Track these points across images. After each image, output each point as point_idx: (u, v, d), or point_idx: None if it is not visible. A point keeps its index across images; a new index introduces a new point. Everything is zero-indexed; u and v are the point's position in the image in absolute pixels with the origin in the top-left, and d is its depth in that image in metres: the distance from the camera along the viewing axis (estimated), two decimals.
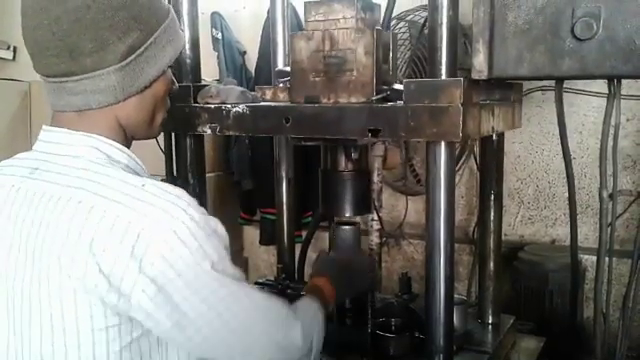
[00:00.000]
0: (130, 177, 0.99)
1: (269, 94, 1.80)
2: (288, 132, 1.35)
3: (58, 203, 0.96)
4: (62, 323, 0.94)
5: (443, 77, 1.21)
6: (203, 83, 1.56)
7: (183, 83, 1.57)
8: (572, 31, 1.11)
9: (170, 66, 1.10)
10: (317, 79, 1.37)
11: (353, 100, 1.33)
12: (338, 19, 1.36)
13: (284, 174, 2.03)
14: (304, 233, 2.41)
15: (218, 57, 3.10)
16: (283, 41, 1.97)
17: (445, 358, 1.33)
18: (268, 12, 2.08)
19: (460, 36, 1.90)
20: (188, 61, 1.59)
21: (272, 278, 1.97)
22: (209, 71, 3.04)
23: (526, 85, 2.58)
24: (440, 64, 1.21)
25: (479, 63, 1.20)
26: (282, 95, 1.73)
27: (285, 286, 1.84)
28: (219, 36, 3.10)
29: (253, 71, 3.14)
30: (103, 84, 1.00)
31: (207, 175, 1.74)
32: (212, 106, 1.44)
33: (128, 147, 1.09)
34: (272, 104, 1.44)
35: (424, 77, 2.29)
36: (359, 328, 1.55)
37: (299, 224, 2.79)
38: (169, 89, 1.13)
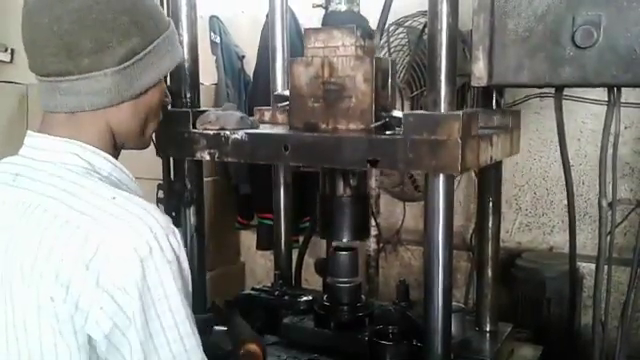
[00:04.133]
0: (103, 189, 0.97)
1: (268, 116, 1.81)
2: (287, 160, 1.35)
3: (27, 210, 0.95)
4: (24, 332, 0.93)
5: (442, 83, 1.20)
6: (202, 108, 1.57)
7: (181, 89, 1.57)
8: (572, 39, 1.11)
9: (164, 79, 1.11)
10: (316, 105, 1.38)
11: (352, 127, 1.34)
12: (337, 46, 1.38)
13: (282, 179, 2.02)
14: (301, 238, 2.40)
15: (217, 61, 3.10)
16: (282, 45, 1.97)
17: None
18: (267, 16, 2.07)
19: (459, 42, 1.90)
20: (186, 65, 1.58)
21: (269, 284, 1.96)
22: (207, 75, 3.04)
23: (524, 92, 2.59)
24: (440, 70, 1.20)
25: (479, 70, 1.20)
26: (281, 117, 1.74)
27: (282, 292, 1.83)
28: (217, 40, 3.09)
29: (251, 75, 3.13)
30: (98, 86, 0.99)
31: (205, 179, 1.73)
32: (211, 132, 1.44)
33: (116, 156, 1.08)
34: (271, 132, 1.45)
35: (423, 83, 2.30)
36: (356, 336, 1.54)
37: (297, 229, 2.78)
38: (162, 100, 1.13)
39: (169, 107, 1.49)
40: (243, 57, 3.21)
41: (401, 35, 2.59)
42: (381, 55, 2.46)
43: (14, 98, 3.00)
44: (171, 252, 0.95)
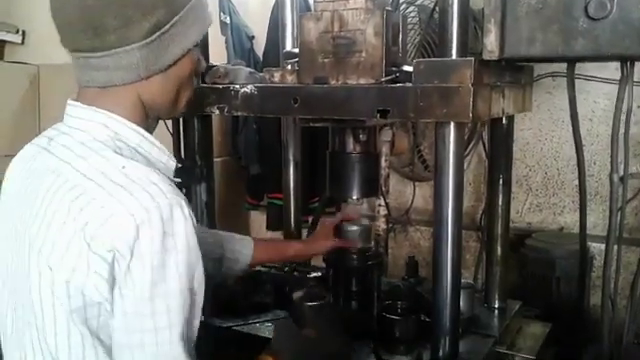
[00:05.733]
0: (114, 156, 0.97)
1: (277, 76, 1.78)
2: (296, 113, 1.35)
3: (46, 173, 0.99)
4: (30, 297, 0.96)
5: (454, 57, 1.20)
6: (211, 64, 1.55)
7: None
8: (585, 10, 1.09)
9: (196, 45, 1.08)
10: (326, 60, 1.36)
11: (362, 81, 1.32)
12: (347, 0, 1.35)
13: (291, 157, 2.02)
14: (311, 218, 2.41)
15: (226, 41, 3.08)
16: (292, 24, 1.96)
17: (451, 341, 1.33)
18: None
19: (470, 20, 1.88)
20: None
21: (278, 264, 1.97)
22: (217, 56, 3.03)
23: (536, 71, 2.55)
24: (451, 43, 1.20)
25: (490, 43, 1.19)
26: (290, 77, 1.71)
27: (292, 269, 1.84)
28: (227, 20, 3.08)
29: (261, 55, 3.12)
30: (126, 61, 0.99)
31: (215, 160, 1.73)
32: (220, 86, 1.43)
33: (149, 128, 1.08)
34: (280, 85, 1.43)
35: None
36: (365, 311, 1.56)
37: (306, 209, 2.79)
38: (195, 69, 1.12)
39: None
40: (253, 37, 3.20)
41: (412, 14, 2.56)
42: None
43: (25, 79, 3.02)
44: (171, 224, 0.92)
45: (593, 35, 1.10)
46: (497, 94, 1.30)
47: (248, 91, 1.39)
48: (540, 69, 2.52)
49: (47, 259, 0.93)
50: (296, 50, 1.51)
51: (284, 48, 1.95)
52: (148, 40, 0.99)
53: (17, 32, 3.81)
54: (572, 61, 1.42)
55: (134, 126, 1.03)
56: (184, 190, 1.65)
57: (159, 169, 1.01)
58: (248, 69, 1.48)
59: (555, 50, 1.13)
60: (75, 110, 1.05)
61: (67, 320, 0.93)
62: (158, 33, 1.00)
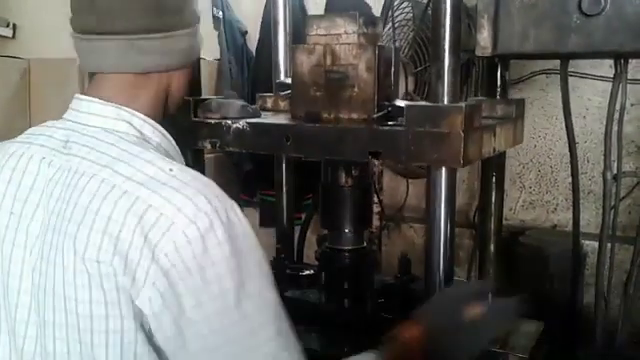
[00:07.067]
0: (158, 159, 0.93)
1: (270, 102, 1.81)
2: (288, 151, 1.35)
3: (81, 179, 0.91)
4: (75, 314, 0.88)
5: (446, 56, 1.18)
6: (204, 97, 1.55)
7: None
8: (579, 6, 1.09)
9: None
10: (318, 93, 1.37)
11: (354, 116, 1.33)
12: (340, 34, 1.36)
13: (284, 155, 2.01)
14: (304, 215, 2.40)
15: (219, 36, 3.07)
16: (284, 21, 1.94)
17: None
18: None
19: (464, 17, 1.87)
20: None
21: (271, 259, 1.96)
22: (210, 51, 3.02)
23: (529, 68, 2.56)
24: (443, 40, 1.18)
25: (483, 39, 1.18)
26: (283, 104, 1.74)
27: (284, 266, 1.83)
28: (220, 15, 3.06)
29: (254, 51, 3.10)
30: (178, 46, 1.02)
31: (207, 156, 1.72)
32: (212, 121, 1.43)
33: (162, 124, 1.07)
34: (273, 122, 1.44)
35: (427, 59, 2.27)
36: (357, 308, 1.55)
37: (299, 206, 2.78)
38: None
39: None
40: (246, 32, 3.18)
41: (406, 9, 2.55)
42: (385, 29, 2.44)
43: (16, 73, 2.99)
44: (230, 227, 0.87)
45: (587, 31, 1.10)
46: (488, 134, 1.30)
47: (240, 127, 1.39)
48: (534, 66, 2.52)
49: (107, 262, 0.85)
50: (288, 81, 1.51)
51: (276, 45, 1.93)
52: (195, 28, 1.05)
53: (8, 26, 3.78)
54: (565, 58, 1.42)
55: (154, 123, 1.02)
56: None
57: None
58: (240, 102, 1.48)
59: (548, 46, 1.13)
60: (90, 105, 1.00)
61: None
62: (197, 24, 1.05)
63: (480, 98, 1.62)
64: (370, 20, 1.39)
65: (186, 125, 1.46)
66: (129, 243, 0.84)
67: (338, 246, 1.57)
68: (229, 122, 1.40)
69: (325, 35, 1.37)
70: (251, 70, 3.11)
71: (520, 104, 1.57)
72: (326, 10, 2.72)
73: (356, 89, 1.32)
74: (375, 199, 1.76)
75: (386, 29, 2.48)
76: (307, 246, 2.16)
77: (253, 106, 1.53)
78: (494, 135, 1.35)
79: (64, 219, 0.90)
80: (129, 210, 0.85)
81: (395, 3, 2.45)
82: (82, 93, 1.03)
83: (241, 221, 0.91)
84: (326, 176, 1.57)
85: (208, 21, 2.98)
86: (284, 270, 1.80)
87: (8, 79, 2.97)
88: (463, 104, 1.15)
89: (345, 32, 1.35)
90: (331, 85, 1.34)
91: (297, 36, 2.05)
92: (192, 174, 0.92)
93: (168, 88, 1.06)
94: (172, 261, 0.83)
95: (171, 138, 1.06)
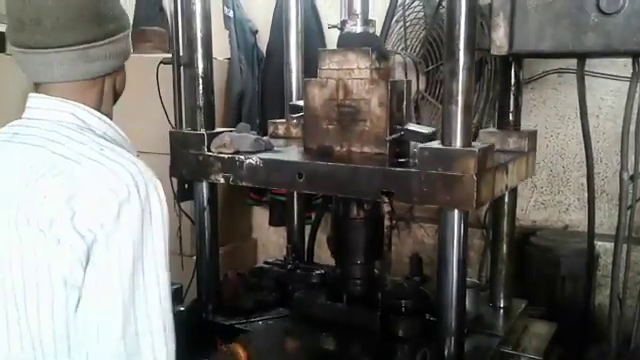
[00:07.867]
0: (92, 142, 1.03)
1: (282, 129, 1.82)
2: (301, 188, 1.36)
3: (20, 159, 1.01)
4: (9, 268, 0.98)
5: (461, 53, 1.17)
6: (217, 130, 1.58)
7: (194, 61, 1.57)
8: (597, 5, 1.07)
9: None
10: (330, 127, 1.38)
11: (366, 150, 1.34)
12: (352, 69, 1.37)
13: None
14: (314, 214, 2.39)
15: (230, 35, 3.06)
16: (295, 21, 1.94)
17: (456, 341, 1.31)
18: None
19: (477, 16, 1.85)
20: (199, 37, 1.57)
21: (282, 258, 1.96)
22: (220, 50, 3.01)
23: (542, 67, 2.53)
24: (458, 40, 1.17)
25: (499, 38, 1.17)
26: (295, 131, 1.74)
27: (295, 266, 1.83)
28: (231, 14, 3.05)
29: (265, 51, 3.10)
30: (120, 47, 1.11)
31: None
32: (226, 156, 1.43)
33: (110, 116, 1.15)
34: (285, 159, 1.44)
35: (439, 57, 2.25)
36: (369, 309, 1.54)
37: (309, 205, 2.77)
38: None
39: None
40: (256, 32, 3.17)
41: (418, 8, 2.53)
42: (396, 29, 2.42)
43: None
44: (148, 202, 0.98)
45: (605, 30, 1.08)
46: (501, 173, 1.30)
47: (253, 162, 1.40)
48: (546, 65, 2.50)
49: (34, 227, 0.95)
50: (301, 103, 1.51)
51: (288, 45, 1.93)
52: (129, 30, 1.15)
53: None
54: (583, 57, 1.40)
55: (99, 114, 1.10)
56: (186, 186, 1.64)
57: None
58: (253, 136, 1.49)
59: (565, 45, 1.11)
60: (39, 101, 1.08)
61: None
62: (130, 28, 1.16)
63: (492, 130, 1.61)
64: (382, 55, 1.39)
65: (200, 159, 1.49)
66: (53, 209, 0.94)
67: None
68: (242, 157, 1.40)
69: (338, 70, 1.38)
70: (261, 69, 3.11)
71: (532, 136, 1.55)
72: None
73: (368, 123, 1.32)
74: (385, 198, 1.74)
75: (397, 28, 2.47)
76: (317, 245, 2.15)
77: (265, 138, 1.54)
78: (506, 173, 1.34)
79: (7, 195, 0.99)
80: (53, 179, 0.96)
81: (407, 2, 2.44)
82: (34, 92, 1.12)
83: (161, 202, 1.01)
84: (338, 209, 1.56)
85: (219, 20, 2.97)
86: (294, 270, 1.80)
87: None
88: (476, 148, 1.14)
89: (358, 67, 1.36)
90: (343, 119, 1.34)
91: (308, 36, 2.05)
92: (122, 154, 1.02)
93: (114, 85, 1.15)
94: (88, 225, 0.93)
95: (118, 128, 1.13)
